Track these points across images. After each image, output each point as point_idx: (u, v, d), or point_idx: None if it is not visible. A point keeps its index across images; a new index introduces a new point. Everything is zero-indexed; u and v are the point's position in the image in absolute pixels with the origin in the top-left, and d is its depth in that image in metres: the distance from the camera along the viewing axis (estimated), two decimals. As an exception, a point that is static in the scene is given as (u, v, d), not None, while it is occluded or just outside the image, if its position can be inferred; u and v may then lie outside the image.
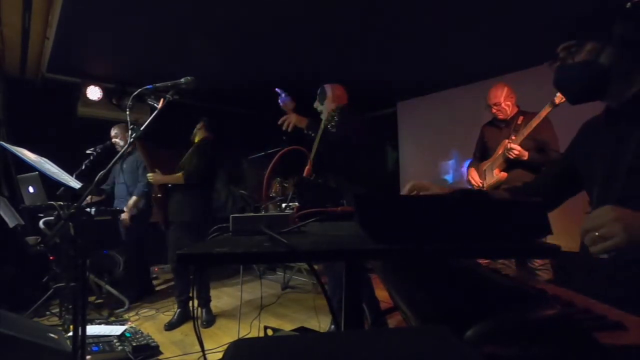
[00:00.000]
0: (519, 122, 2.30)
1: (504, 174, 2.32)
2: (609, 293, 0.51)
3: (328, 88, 2.22)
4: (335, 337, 0.41)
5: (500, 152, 2.33)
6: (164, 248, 2.84)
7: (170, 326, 2.54)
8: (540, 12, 2.67)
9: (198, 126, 2.83)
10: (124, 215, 3.11)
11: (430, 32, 3.09)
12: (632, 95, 0.82)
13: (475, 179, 2.50)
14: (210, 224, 0.93)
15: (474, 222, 0.54)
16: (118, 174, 3.28)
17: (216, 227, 0.83)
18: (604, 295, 0.49)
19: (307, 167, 1.85)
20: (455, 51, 3.48)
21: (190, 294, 2.68)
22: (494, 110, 2.42)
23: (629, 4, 0.77)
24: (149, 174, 2.65)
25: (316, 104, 2.26)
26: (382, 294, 2.53)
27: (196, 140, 2.80)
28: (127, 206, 3.12)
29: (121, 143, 3.19)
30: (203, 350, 0.75)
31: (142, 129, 1.56)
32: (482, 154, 2.59)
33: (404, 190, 0.98)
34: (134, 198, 3.14)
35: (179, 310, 2.65)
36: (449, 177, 4.61)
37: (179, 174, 2.63)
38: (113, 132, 3.25)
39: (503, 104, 2.36)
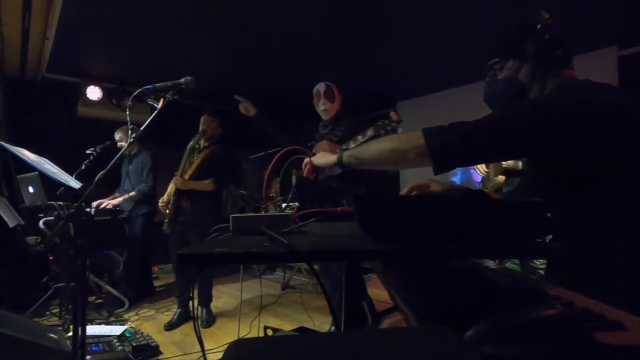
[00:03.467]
0: None
1: (502, 177, 2.35)
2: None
3: (334, 87, 2.21)
4: (335, 337, 0.41)
5: None
6: (165, 248, 2.84)
7: (170, 326, 2.54)
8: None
9: (212, 124, 2.71)
10: (114, 201, 3.13)
11: (431, 32, 3.09)
12: None
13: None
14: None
15: (474, 222, 0.54)
16: (124, 180, 3.29)
17: (216, 227, 0.83)
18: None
19: (307, 167, 1.85)
20: (455, 51, 3.48)
21: (191, 294, 2.68)
22: None
23: (539, 25, 0.84)
24: (173, 179, 2.57)
25: (326, 103, 2.19)
26: (382, 294, 2.53)
27: (208, 142, 2.70)
28: (123, 196, 3.15)
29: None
30: (203, 350, 0.75)
31: (142, 129, 1.56)
32: None
33: (404, 191, 0.98)
34: (132, 193, 3.15)
35: (179, 310, 2.65)
36: (456, 179, 4.59)
37: (209, 181, 2.63)
38: (117, 135, 3.26)
39: None
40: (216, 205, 2.79)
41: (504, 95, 0.91)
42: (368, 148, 0.90)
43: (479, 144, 0.75)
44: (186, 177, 2.58)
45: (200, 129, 2.68)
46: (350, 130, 2.13)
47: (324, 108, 2.20)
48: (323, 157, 1.04)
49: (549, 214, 0.82)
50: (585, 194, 0.75)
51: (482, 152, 0.77)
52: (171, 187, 2.62)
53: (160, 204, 2.65)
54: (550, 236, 0.81)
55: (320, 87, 2.22)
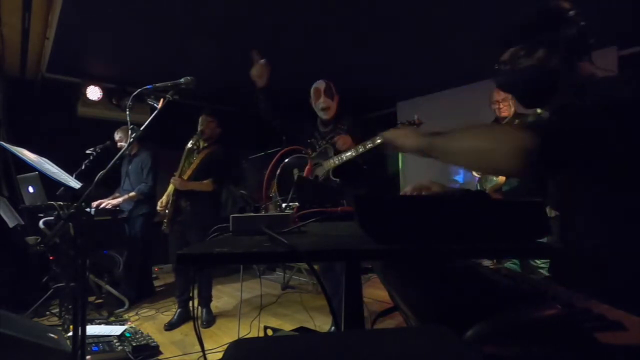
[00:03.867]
0: (515, 123, 2.32)
1: (502, 177, 2.34)
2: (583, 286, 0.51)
3: (332, 85, 2.17)
4: (335, 337, 0.41)
5: None
6: (165, 248, 2.84)
7: (170, 326, 2.54)
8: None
9: (211, 125, 2.72)
10: (114, 201, 3.14)
11: (431, 32, 3.09)
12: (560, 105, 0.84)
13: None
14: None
15: (474, 222, 0.54)
16: (124, 180, 3.29)
17: (216, 227, 0.83)
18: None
19: (307, 167, 1.85)
20: (455, 51, 3.48)
21: (191, 294, 2.68)
22: (500, 106, 2.48)
23: (571, 12, 0.81)
24: (172, 179, 2.58)
25: (326, 101, 2.13)
26: (382, 294, 2.53)
27: (207, 142, 2.71)
28: (123, 197, 3.16)
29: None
30: (203, 350, 0.75)
31: (142, 129, 1.56)
32: None
33: (406, 192, 0.98)
34: (131, 193, 3.16)
35: (179, 310, 2.65)
36: (459, 178, 4.59)
37: (208, 181, 2.63)
38: (117, 135, 3.26)
39: (501, 104, 2.40)
40: (215, 205, 2.80)
41: (529, 84, 0.88)
42: (458, 143, 0.75)
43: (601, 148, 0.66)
44: (185, 177, 2.58)
45: (199, 129, 2.68)
46: (353, 129, 2.09)
47: (324, 106, 2.13)
48: (405, 137, 0.86)
49: (553, 212, 0.81)
50: (608, 194, 0.72)
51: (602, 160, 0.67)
52: (171, 188, 2.62)
53: (158, 208, 2.66)
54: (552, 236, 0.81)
55: (320, 84, 2.17)
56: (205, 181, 2.62)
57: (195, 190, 2.60)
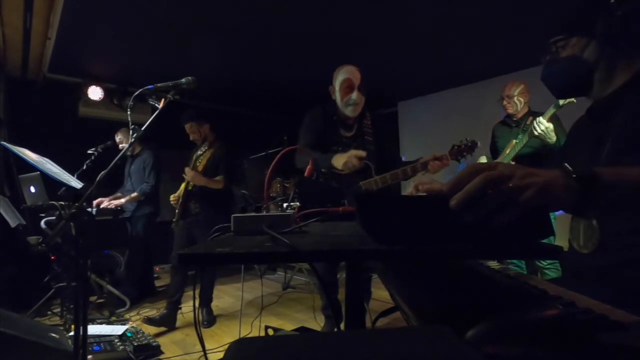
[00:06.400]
0: (528, 122, 2.33)
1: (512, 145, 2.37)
2: (594, 293, 0.50)
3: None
4: (335, 337, 0.41)
5: (507, 152, 2.35)
6: (166, 248, 2.84)
7: (150, 321, 2.47)
8: (540, 11, 2.67)
9: (193, 128, 2.71)
10: (116, 202, 3.15)
11: (431, 32, 3.09)
12: (608, 93, 0.80)
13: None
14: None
15: (475, 222, 0.54)
16: (127, 180, 3.31)
17: (217, 227, 0.84)
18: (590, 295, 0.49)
19: (308, 167, 1.84)
20: (455, 51, 3.48)
21: (189, 293, 2.67)
22: (504, 102, 2.47)
23: (612, 0, 0.75)
24: (186, 169, 2.57)
25: (360, 97, 1.86)
26: (382, 294, 2.53)
27: (208, 143, 2.73)
28: (125, 197, 3.18)
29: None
30: (204, 350, 0.76)
31: (143, 129, 1.56)
32: (493, 154, 2.62)
33: (408, 191, 0.98)
34: (133, 194, 3.16)
35: (165, 311, 2.54)
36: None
37: (220, 178, 2.63)
38: (117, 137, 3.27)
39: (515, 98, 2.41)
40: (225, 206, 2.78)
41: (566, 74, 0.84)
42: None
43: None
44: None
45: (192, 138, 2.71)
46: (376, 131, 1.87)
47: (356, 102, 1.80)
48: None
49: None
50: None
51: None
52: (183, 187, 2.63)
53: (171, 199, 2.67)
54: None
55: (353, 75, 1.76)
56: (217, 177, 2.64)
57: (204, 191, 2.60)
